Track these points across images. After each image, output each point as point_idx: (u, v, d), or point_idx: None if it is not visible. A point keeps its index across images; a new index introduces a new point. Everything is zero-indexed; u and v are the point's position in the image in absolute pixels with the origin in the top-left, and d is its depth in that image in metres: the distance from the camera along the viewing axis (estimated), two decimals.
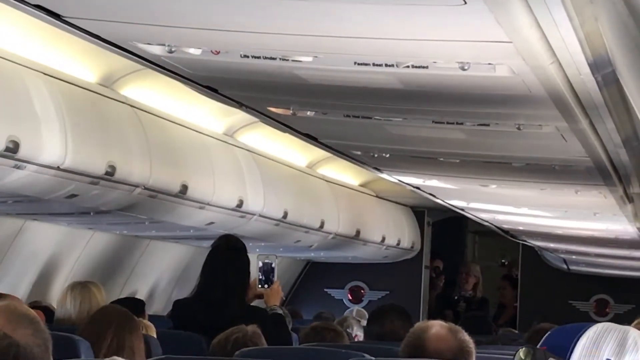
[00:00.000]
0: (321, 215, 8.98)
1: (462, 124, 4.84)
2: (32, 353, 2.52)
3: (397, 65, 3.69)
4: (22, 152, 4.90)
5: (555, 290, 12.57)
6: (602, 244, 10.07)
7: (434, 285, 12.91)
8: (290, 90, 4.44)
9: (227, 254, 5.84)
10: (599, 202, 7.24)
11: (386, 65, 3.69)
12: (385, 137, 5.41)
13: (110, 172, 5.61)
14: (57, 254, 7.64)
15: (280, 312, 5.98)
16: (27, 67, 5.09)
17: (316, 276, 12.07)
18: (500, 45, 3.31)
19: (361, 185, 10.61)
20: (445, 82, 3.91)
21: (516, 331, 10.23)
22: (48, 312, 6.22)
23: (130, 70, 5.91)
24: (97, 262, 8.05)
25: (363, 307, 10.78)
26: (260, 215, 7.72)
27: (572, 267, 12.65)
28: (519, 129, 4.75)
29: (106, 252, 8.12)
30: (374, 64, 3.69)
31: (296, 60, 3.74)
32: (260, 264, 6.02)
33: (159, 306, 9.12)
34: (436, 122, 4.88)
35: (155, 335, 5.21)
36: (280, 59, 3.74)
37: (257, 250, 8.20)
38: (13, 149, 4.81)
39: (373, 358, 4.00)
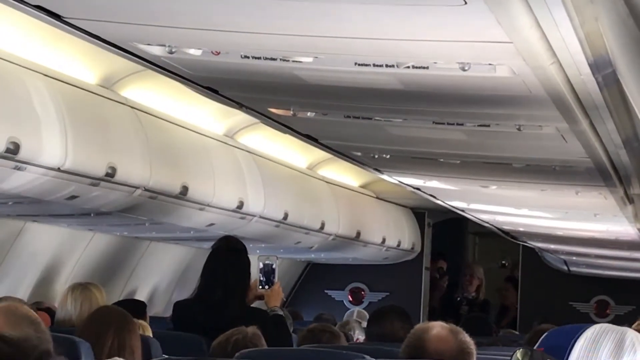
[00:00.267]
0: (321, 216, 8.98)
1: (462, 124, 4.84)
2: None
3: (397, 66, 3.69)
4: (23, 154, 4.89)
5: (555, 292, 12.57)
6: (603, 245, 10.07)
7: (437, 286, 12.89)
8: (291, 91, 4.44)
9: (227, 256, 5.84)
10: (599, 203, 7.24)
11: (386, 65, 3.69)
12: (386, 137, 5.41)
13: (111, 174, 5.61)
14: (58, 256, 7.64)
15: (281, 313, 5.98)
16: (27, 68, 5.09)
17: (316, 277, 12.07)
18: (500, 46, 3.31)
19: (361, 187, 10.61)
20: (446, 83, 3.91)
21: (517, 332, 10.24)
22: (51, 313, 6.23)
23: (131, 71, 5.91)
24: (98, 263, 8.05)
25: (363, 309, 10.77)
26: (261, 217, 7.72)
27: (573, 269, 12.65)
28: (519, 129, 4.75)
29: (106, 254, 8.12)
30: (374, 65, 3.69)
31: (296, 61, 3.74)
32: (261, 265, 6.01)
33: (160, 308, 9.11)
34: (436, 123, 4.88)
35: (151, 336, 5.21)
36: (280, 59, 3.74)
37: (258, 251, 8.20)
38: (13, 150, 4.81)
39: (373, 359, 4.00)
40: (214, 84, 4.48)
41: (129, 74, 5.98)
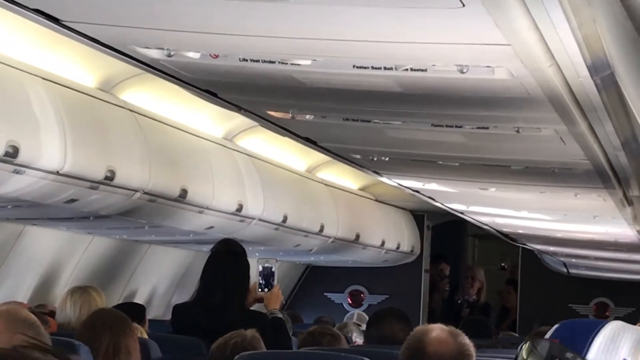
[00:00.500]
0: (321, 219, 8.98)
1: (461, 127, 4.84)
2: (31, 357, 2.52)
3: (395, 68, 3.69)
4: (22, 157, 4.90)
5: (555, 294, 12.58)
6: (602, 247, 10.07)
7: (437, 288, 12.87)
8: (290, 94, 4.44)
9: (226, 258, 5.84)
10: (598, 205, 7.24)
11: (385, 68, 3.69)
12: (385, 140, 5.42)
13: (110, 177, 5.62)
14: (57, 259, 7.64)
15: (280, 316, 5.98)
16: (26, 72, 5.09)
17: (316, 280, 12.07)
18: (498, 48, 3.32)
19: (360, 189, 10.61)
20: (444, 85, 3.91)
21: (516, 335, 10.23)
22: (54, 316, 6.23)
23: (130, 74, 5.92)
24: (97, 266, 8.05)
25: (363, 311, 10.78)
26: (260, 220, 7.72)
27: (572, 271, 12.66)
28: (517, 132, 4.75)
29: (106, 257, 8.12)
30: (372, 67, 3.69)
31: (295, 64, 3.74)
32: (260, 268, 6.01)
33: (159, 311, 9.12)
34: (435, 126, 4.88)
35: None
36: (279, 62, 3.74)
37: (257, 254, 8.20)
38: (12, 153, 4.82)
39: None
40: (213, 87, 4.48)
41: (127, 77, 5.99)
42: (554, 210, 8.06)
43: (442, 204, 8.79)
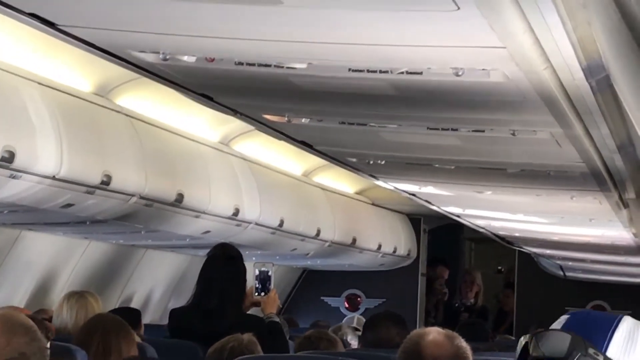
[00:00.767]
0: (317, 223, 8.98)
1: (456, 130, 4.84)
2: None
3: (391, 72, 3.69)
4: (18, 162, 4.89)
5: (551, 297, 12.56)
6: (598, 250, 10.07)
7: (432, 290, 12.86)
8: (285, 97, 4.44)
9: (223, 263, 5.83)
10: (594, 208, 7.24)
11: (380, 71, 3.70)
12: (381, 143, 5.42)
13: (106, 182, 5.61)
14: (54, 264, 7.64)
15: (277, 320, 5.98)
16: (22, 77, 5.09)
17: (312, 284, 12.06)
18: (493, 51, 3.32)
19: (357, 193, 10.61)
20: (440, 88, 3.92)
21: (513, 337, 10.23)
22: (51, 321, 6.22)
23: (126, 79, 5.92)
24: (94, 271, 8.04)
25: (360, 315, 10.77)
26: (257, 224, 7.72)
27: (569, 274, 12.66)
28: (513, 134, 4.75)
29: (102, 262, 8.12)
30: (368, 70, 3.70)
31: (291, 67, 3.75)
32: (257, 272, 6.01)
33: (156, 315, 9.11)
34: (431, 129, 4.88)
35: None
36: (274, 65, 3.74)
37: (254, 258, 8.19)
38: (8, 158, 4.81)
39: None
40: (209, 91, 4.48)
41: (123, 82, 5.99)
42: (550, 213, 8.07)
43: (438, 207, 8.79)
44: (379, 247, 10.66)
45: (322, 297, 12.14)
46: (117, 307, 7.81)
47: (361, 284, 12.11)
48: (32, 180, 5.10)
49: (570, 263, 11.83)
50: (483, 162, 5.87)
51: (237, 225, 7.45)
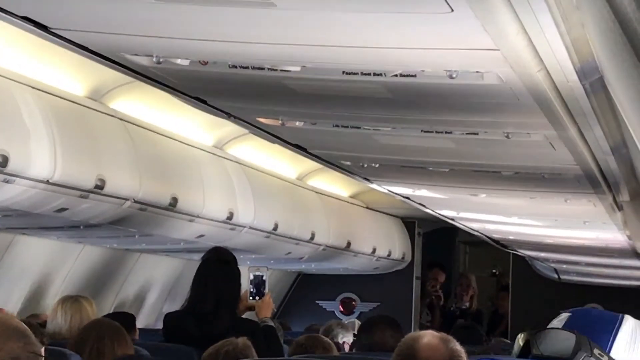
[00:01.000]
0: (312, 227, 8.98)
1: (450, 132, 4.84)
2: None
3: (385, 74, 3.69)
4: (11, 166, 4.89)
5: (546, 300, 12.56)
6: (593, 252, 10.07)
7: (425, 292, 12.84)
8: (279, 101, 4.44)
9: (217, 267, 5.83)
10: (588, 211, 7.24)
11: (374, 74, 3.69)
12: (375, 147, 5.41)
13: (100, 186, 5.61)
14: (48, 268, 7.63)
15: (272, 324, 5.97)
16: (15, 81, 5.08)
17: (307, 288, 12.06)
18: (487, 53, 3.32)
19: (351, 197, 10.61)
20: (434, 91, 3.91)
21: (508, 341, 10.22)
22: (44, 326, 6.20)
23: (119, 83, 5.92)
24: (88, 275, 8.03)
25: (354, 319, 10.76)
26: (251, 228, 7.71)
27: (563, 277, 12.66)
28: (507, 137, 4.75)
29: (96, 266, 8.11)
30: (362, 73, 3.69)
31: (284, 70, 3.74)
32: (251, 276, 6.01)
33: (150, 320, 9.10)
34: (425, 132, 4.88)
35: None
36: (268, 68, 3.74)
37: (248, 262, 8.19)
38: (2, 163, 4.81)
39: None
40: (202, 94, 4.48)
41: (117, 86, 5.98)
42: (544, 216, 8.07)
43: (432, 211, 8.79)
44: (374, 250, 10.66)
45: (317, 301, 12.14)
46: (111, 311, 7.80)
47: (356, 287, 12.10)
48: (25, 184, 5.09)
49: (564, 266, 11.84)
50: (477, 164, 5.87)
51: (232, 229, 7.44)
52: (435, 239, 12.92)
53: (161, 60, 3.71)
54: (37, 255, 7.46)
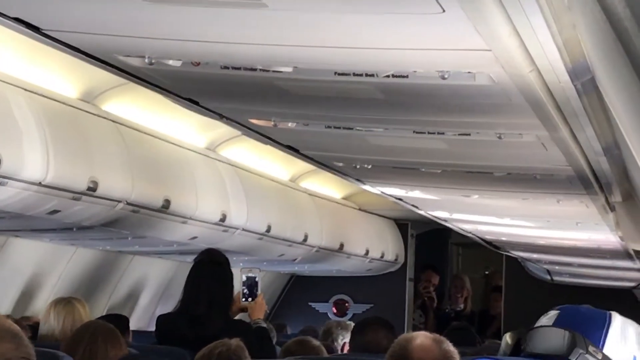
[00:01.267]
0: (304, 228, 8.98)
1: (443, 133, 4.84)
2: None
3: (377, 75, 3.69)
4: (4, 169, 4.88)
5: (539, 301, 12.56)
6: (585, 253, 10.08)
7: (418, 294, 12.84)
8: (271, 102, 4.44)
9: (210, 268, 5.83)
10: (580, 212, 7.24)
11: (366, 75, 3.69)
12: (367, 148, 5.42)
13: (93, 188, 5.61)
14: (41, 270, 7.62)
15: (265, 325, 5.98)
16: (8, 83, 5.08)
17: (300, 290, 12.06)
18: (479, 54, 3.32)
19: (344, 199, 10.62)
20: (426, 91, 3.92)
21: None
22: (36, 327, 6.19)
23: (112, 85, 5.92)
24: (81, 278, 8.03)
25: (348, 321, 10.76)
26: (244, 229, 7.71)
27: (556, 278, 12.68)
28: (499, 138, 4.75)
29: (89, 268, 8.10)
30: (354, 74, 3.69)
31: (276, 71, 3.74)
32: (244, 278, 6.01)
33: (143, 322, 9.09)
34: (417, 132, 4.88)
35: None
36: (260, 69, 3.74)
37: (241, 264, 8.19)
38: None
39: None
40: (194, 95, 4.48)
41: (110, 88, 5.98)
42: (536, 217, 8.07)
43: (425, 212, 8.79)
44: (367, 252, 10.67)
45: (310, 303, 12.14)
46: (104, 313, 7.80)
47: (349, 289, 12.11)
48: (18, 186, 5.09)
49: (557, 267, 11.85)
50: (469, 165, 5.88)
51: (224, 231, 7.44)
52: (428, 240, 12.93)
53: (153, 61, 3.71)
54: (29, 257, 7.45)
